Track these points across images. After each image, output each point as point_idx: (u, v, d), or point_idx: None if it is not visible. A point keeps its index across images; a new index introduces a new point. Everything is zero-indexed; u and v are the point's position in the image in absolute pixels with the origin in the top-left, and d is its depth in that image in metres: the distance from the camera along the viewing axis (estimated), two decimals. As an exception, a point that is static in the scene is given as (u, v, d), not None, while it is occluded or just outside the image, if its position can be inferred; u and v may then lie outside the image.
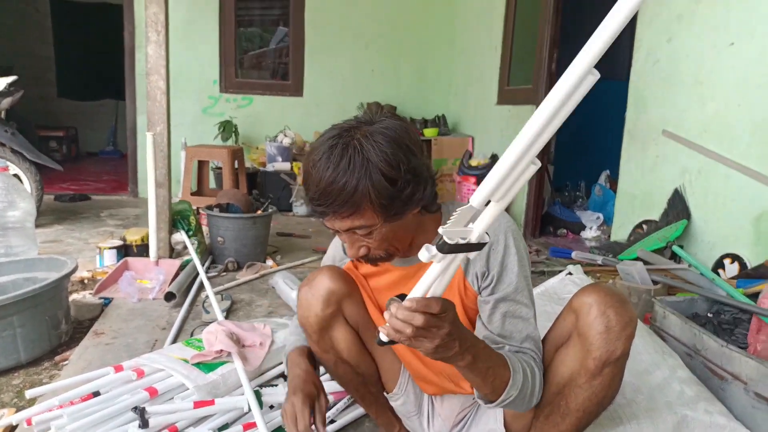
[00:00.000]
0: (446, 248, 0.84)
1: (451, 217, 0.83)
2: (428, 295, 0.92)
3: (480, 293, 1.19)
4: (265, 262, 3.29)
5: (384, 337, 0.98)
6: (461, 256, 0.88)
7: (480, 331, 1.19)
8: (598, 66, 0.68)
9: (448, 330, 0.94)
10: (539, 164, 0.80)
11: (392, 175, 1.02)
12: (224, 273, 3.10)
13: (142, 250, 3.12)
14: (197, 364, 1.70)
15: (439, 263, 0.88)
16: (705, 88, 2.84)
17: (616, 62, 5.66)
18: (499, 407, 1.14)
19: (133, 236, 3.18)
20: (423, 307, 0.91)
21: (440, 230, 0.83)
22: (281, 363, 1.87)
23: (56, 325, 2.10)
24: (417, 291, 0.93)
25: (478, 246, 0.86)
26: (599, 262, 3.06)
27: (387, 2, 5.79)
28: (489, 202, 0.82)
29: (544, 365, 1.21)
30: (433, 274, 0.90)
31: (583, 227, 4.40)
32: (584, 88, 0.70)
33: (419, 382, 1.41)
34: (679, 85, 3.02)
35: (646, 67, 3.29)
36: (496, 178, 0.78)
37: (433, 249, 0.84)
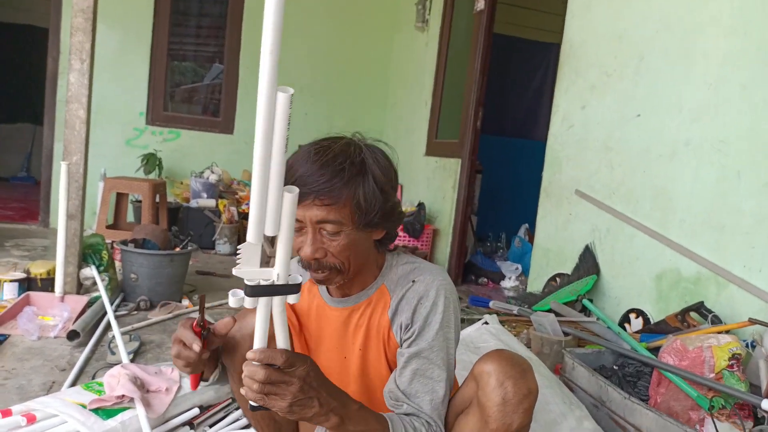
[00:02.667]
0: (250, 291, 0.81)
1: (237, 257, 0.83)
2: (279, 347, 0.90)
3: (401, 345, 1.18)
4: (180, 301, 3.17)
5: (253, 402, 0.93)
6: (279, 300, 0.86)
7: (389, 384, 1.18)
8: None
9: (298, 386, 0.91)
10: (295, 191, 0.81)
11: (382, 185, 1.09)
12: (135, 312, 2.95)
13: (48, 284, 2.93)
14: (96, 410, 1.60)
15: (261, 309, 0.86)
16: (614, 153, 3.06)
17: (538, 124, 6.03)
18: None
19: (38, 269, 2.98)
20: (265, 358, 0.89)
21: (234, 271, 0.82)
22: (188, 410, 1.79)
23: (-61, 363, 1.92)
24: (257, 342, 0.90)
25: (290, 288, 0.84)
26: (515, 312, 3.15)
27: (323, 51, 5.91)
28: (275, 239, 0.83)
29: (447, 429, 1.20)
30: (260, 323, 0.88)
31: (503, 277, 4.54)
32: (283, 106, 0.74)
33: None
34: (591, 149, 3.24)
35: (561, 130, 3.51)
36: (253, 210, 0.78)
37: (240, 293, 0.83)
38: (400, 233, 4.63)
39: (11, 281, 2.86)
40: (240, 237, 4.93)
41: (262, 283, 0.82)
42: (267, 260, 4.20)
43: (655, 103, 2.82)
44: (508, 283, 4.44)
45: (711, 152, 2.48)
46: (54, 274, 2.87)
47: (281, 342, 0.92)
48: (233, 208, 4.90)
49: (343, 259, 1.11)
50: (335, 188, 1.04)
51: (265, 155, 0.74)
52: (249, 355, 0.89)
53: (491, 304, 3.39)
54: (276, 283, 0.83)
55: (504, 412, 1.09)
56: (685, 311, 2.41)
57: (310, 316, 1.29)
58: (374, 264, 1.22)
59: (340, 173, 1.05)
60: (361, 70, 6.07)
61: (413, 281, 1.18)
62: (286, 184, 0.81)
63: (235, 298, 0.83)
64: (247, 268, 0.82)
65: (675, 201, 2.65)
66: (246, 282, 0.82)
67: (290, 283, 0.84)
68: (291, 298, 0.87)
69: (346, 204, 1.06)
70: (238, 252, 0.81)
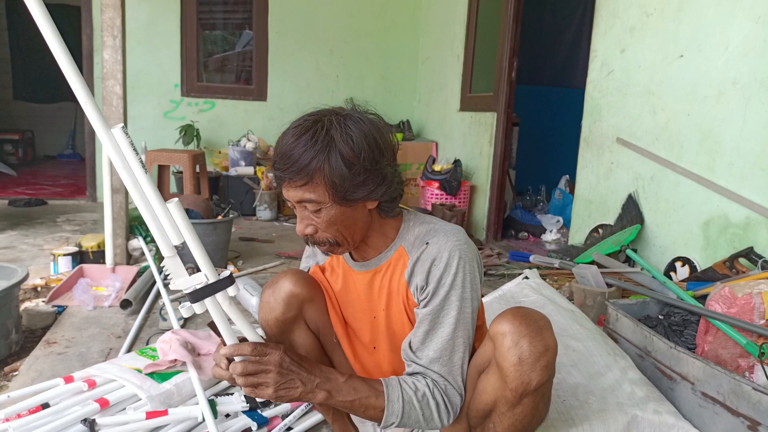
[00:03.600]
0: (191, 298, 0.90)
1: (165, 270, 0.88)
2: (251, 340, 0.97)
3: (418, 304, 1.20)
4: (226, 267, 3.25)
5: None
6: (220, 296, 0.93)
7: (404, 343, 1.21)
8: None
9: (276, 371, 0.97)
10: (173, 201, 0.83)
11: (350, 159, 1.06)
12: (183, 280, 3.05)
13: (99, 256, 3.05)
14: (151, 374, 1.68)
15: (212, 310, 0.93)
16: (656, 98, 2.94)
17: (576, 71, 5.80)
18: (391, 429, 1.16)
19: (89, 242, 3.11)
20: (234, 352, 0.96)
21: (170, 286, 0.91)
22: (238, 371, 1.86)
23: (6, 334, 2.04)
24: (227, 339, 0.97)
25: (223, 283, 0.90)
26: (556, 265, 3.12)
27: (351, 10, 5.81)
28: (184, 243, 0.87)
29: (469, 387, 1.21)
30: (219, 322, 0.95)
31: (544, 230, 4.49)
32: (122, 139, 0.75)
33: None
34: (632, 94, 3.11)
35: (600, 76, 3.38)
36: (152, 230, 0.85)
37: (187, 304, 0.91)
38: (437, 191, 4.60)
39: (65, 255, 2.99)
40: (279, 202, 5.00)
41: (198, 287, 0.90)
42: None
43: (700, 42, 2.68)
44: (549, 237, 4.39)
45: (760, 90, 2.35)
46: (104, 246, 2.98)
47: (248, 334, 0.98)
48: (271, 175, 4.96)
49: (333, 232, 1.13)
50: (302, 170, 1.06)
51: (133, 183, 0.78)
52: (222, 351, 0.97)
53: (531, 258, 3.36)
54: (209, 282, 0.90)
55: (521, 372, 1.09)
56: (734, 257, 2.33)
57: (339, 282, 1.32)
58: (390, 230, 1.23)
59: (304, 154, 1.05)
60: (390, 27, 5.95)
61: (427, 243, 1.18)
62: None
63: (184, 308, 0.91)
64: (178, 279, 0.90)
65: (722, 144, 2.53)
66: (183, 291, 0.90)
67: (221, 278, 0.90)
68: (231, 290, 0.93)
69: (319, 182, 1.07)
70: (166, 271, 0.88)
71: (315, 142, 1.06)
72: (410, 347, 1.19)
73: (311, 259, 1.39)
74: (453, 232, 1.19)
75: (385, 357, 1.31)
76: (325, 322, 1.33)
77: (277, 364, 0.98)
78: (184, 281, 0.88)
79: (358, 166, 1.07)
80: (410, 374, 1.18)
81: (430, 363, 1.17)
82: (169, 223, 0.80)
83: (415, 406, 1.13)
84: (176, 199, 0.79)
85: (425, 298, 1.17)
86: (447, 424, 1.19)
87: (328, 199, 1.08)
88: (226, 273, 0.91)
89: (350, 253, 1.28)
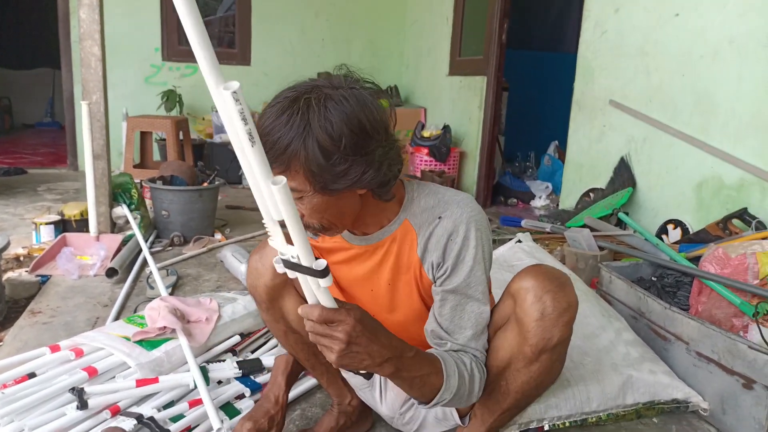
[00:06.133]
0: (286, 265, 0.85)
1: (267, 231, 0.82)
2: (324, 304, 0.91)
3: (435, 283, 1.14)
4: (213, 235, 3.20)
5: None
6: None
7: (429, 324, 1.15)
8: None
9: (343, 341, 0.91)
10: (282, 181, 0.75)
11: (328, 147, 0.94)
12: (170, 248, 2.99)
13: (82, 225, 2.98)
14: (140, 342, 1.64)
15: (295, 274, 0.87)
16: (650, 58, 2.89)
17: (565, 35, 5.71)
18: (432, 407, 1.12)
19: (71, 211, 3.03)
20: (303, 314, 0.91)
21: (272, 243, 0.84)
22: (229, 338, 1.83)
23: (-13, 304, 1.98)
24: (308, 298, 0.92)
25: (314, 272, 0.83)
26: (548, 230, 3.10)
27: (337, -31, 5.65)
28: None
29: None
30: (302, 282, 0.89)
31: (533, 197, 4.47)
32: (231, 104, 0.67)
33: None
34: (626, 55, 3.06)
35: (593, 37, 3.32)
36: (256, 197, 0.78)
37: (281, 264, 0.85)
38: (426, 158, 4.55)
39: (47, 224, 2.91)
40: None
41: (292, 260, 0.84)
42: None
43: (696, 1, 2.62)
44: (539, 203, 4.37)
45: (758, 48, 2.31)
46: (87, 215, 2.90)
47: (325, 301, 0.91)
48: (257, 142, 4.86)
49: (317, 219, 1.04)
50: (280, 154, 0.95)
51: (240, 152, 0.72)
52: (298, 310, 0.92)
53: (523, 223, 3.34)
54: (301, 264, 0.83)
55: (543, 327, 1.08)
56: (727, 219, 2.33)
57: (339, 254, 1.23)
58: (387, 204, 1.13)
59: (280, 138, 0.94)
60: (377, -12, 5.80)
61: (439, 218, 1.11)
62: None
63: (278, 266, 0.86)
64: (275, 241, 0.84)
65: (717, 104, 2.50)
66: (279, 255, 0.85)
67: (314, 267, 0.82)
68: (323, 282, 0.84)
69: (298, 170, 0.96)
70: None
71: (291, 126, 0.94)
72: (441, 328, 1.13)
73: None
74: (465, 202, 1.12)
75: (392, 327, 1.28)
76: None
77: (345, 333, 0.90)
78: (280, 245, 0.83)
79: (337, 155, 0.95)
80: (452, 351, 1.13)
81: (468, 341, 1.12)
82: (272, 200, 0.75)
83: (465, 383, 1.09)
84: (284, 179, 0.71)
85: (443, 275, 1.11)
86: (479, 397, 1.16)
87: (309, 187, 0.98)
88: (322, 264, 0.83)
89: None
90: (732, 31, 2.43)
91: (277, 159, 0.95)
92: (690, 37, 2.65)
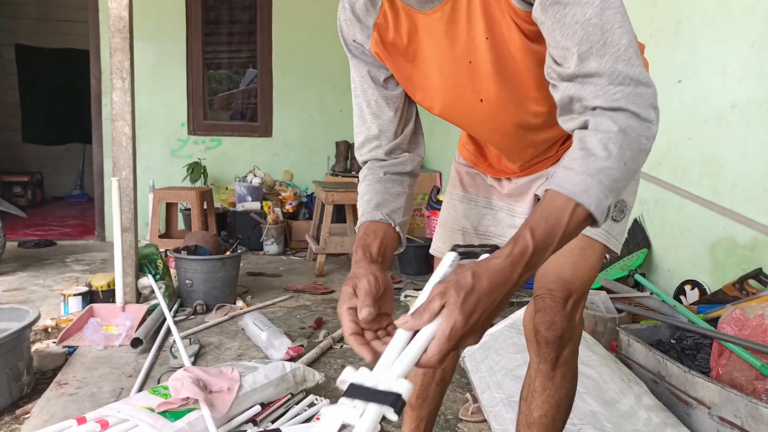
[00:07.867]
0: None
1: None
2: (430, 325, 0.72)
3: (532, 7, 0.86)
4: (235, 303, 3.26)
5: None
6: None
7: (548, 72, 0.89)
8: None
9: (473, 339, 0.74)
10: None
11: None
12: (193, 316, 3.06)
13: (109, 295, 3.07)
14: (164, 413, 1.67)
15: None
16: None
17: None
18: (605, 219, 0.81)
19: (98, 282, 3.13)
20: (428, 364, 0.72)
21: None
22: (250, 407, 1.85)
23: (17, 377, 2.04)
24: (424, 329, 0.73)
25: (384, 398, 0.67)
26: (566, 293, 3.10)
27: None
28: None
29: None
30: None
31: (551, 258, 4.47)
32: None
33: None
34: (634, 119, 3.14)
35: (601, 103, 3.42)
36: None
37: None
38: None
39: (75, 295, 3.01)
40: (286, 236, 5.02)
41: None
42: (314, 257, 4.27)
43: (697, 67, 2.72)
44: (557, 263, 4.37)
45: (759, 113, 2.38)
46: (114, 285, 3.00)
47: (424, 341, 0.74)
48: (277, 209, 5.00)
49: None
50: None
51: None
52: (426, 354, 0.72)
53: (541, 285, 3.34)
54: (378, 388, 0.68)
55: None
56: (743, 279, 2.33)
57: (404, 39, 1.02)
58: None
59: None
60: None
61: None
62: None
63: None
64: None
65: (725, 166, 2.55)
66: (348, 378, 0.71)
67: (389, 390, 0.67)
68: (390, 414, 0.66)
69: None
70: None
71: None
72: (563, 72, 0.85)
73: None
74: None
75: (502, 106, 1.03)
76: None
77: (464, 336, 0.72)
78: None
79: None
80: (580, 137, 0.83)
81: (600, 81, 0.82)
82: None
83: (609, 172, 0.79)
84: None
85: None
86: (655, 131, 0.85)
87: None
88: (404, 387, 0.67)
89: None
90: (733, 95, 2.51)
91: None
92: (693, 101, 2.73)
